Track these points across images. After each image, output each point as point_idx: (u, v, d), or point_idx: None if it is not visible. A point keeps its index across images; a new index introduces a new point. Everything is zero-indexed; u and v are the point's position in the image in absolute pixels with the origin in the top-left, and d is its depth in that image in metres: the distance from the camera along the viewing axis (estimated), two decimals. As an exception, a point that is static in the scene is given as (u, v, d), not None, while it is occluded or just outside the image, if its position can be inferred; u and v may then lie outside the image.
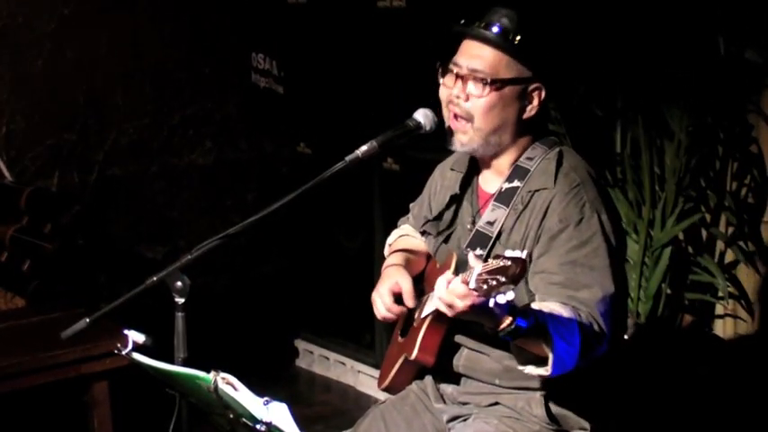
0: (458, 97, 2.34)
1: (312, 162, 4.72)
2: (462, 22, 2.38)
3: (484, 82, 2.31)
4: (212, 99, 5.00)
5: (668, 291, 3.74)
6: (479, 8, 2.38)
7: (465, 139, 2.37)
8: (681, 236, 3.78)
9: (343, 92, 4.53)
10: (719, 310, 3.86)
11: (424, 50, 4.09)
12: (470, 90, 2.33)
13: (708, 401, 3.49)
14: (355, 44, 4.42)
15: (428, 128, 2.40)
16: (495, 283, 1.93)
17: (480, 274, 1.96)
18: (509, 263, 1.93)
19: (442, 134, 2.45)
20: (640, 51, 3.69)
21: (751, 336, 3.78)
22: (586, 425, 2.40)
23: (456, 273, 2.22)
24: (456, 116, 2.36)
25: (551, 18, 2.39)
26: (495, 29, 2.31)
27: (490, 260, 1.97)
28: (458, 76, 2.34)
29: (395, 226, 2.84)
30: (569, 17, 3.66)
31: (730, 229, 3.79)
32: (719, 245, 3.84)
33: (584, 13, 3.73)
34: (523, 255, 1.94)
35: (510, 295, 1.94)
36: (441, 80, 2.40)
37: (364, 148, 2.32)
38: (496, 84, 2.31)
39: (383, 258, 2.57)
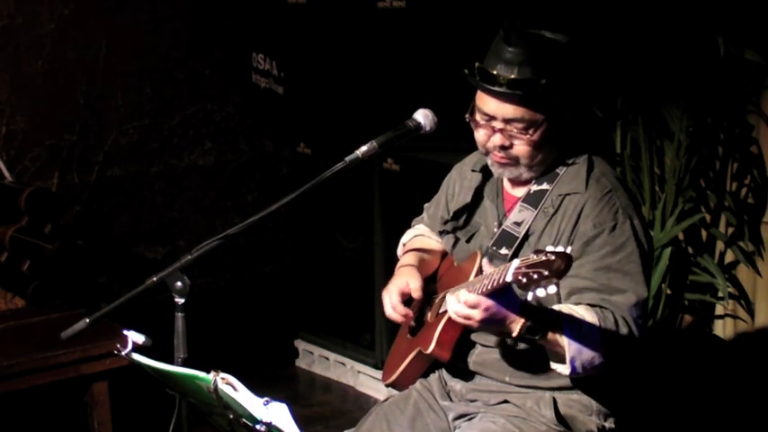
0: (502, 147, 2.35)
1: (312, 162, 4.72)
2: (478, 69, 2.32)
3: (524, 130, 2.31)
4: (212, 99, 5.00)
5: (668, 291, 3.74)
6: (485, 49, 2.34)
7: (514, 173, 2.41)
8: (681, 236, 3.78)
9: (343, 92, 4.53)
10: (719, 310, 3.86)
11: (424, 51, 4.11)
12: (512, 139, 2.34)
13: (708, 401, 3.49)
14: (355, 44, 4.42)
15: (428, 128, 2.40)
16: (536, 276, 1.97)
17: (519, 268, 2.00)
18: (553, 257, 1.97)
19: (442, 134, 2.45)
20: (640, 52, 3.69)
21: (751, 336, 3.78)
22: (593, 427, 2.41)
23: (479, 272, 2.27)
24: (502, 157, 2.38)
25: (560, 35, 2.36)
26: (520, 82, 2.27)
27: (531, 255, 2.01)
28: (494, 129, 2.35)
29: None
30: (566, 20, 3.66)
31: (730, 230, 3.79)
32: (719, 245, 3.84)
33: (583, 14, 3.73)
34: (568, 250, 1.98)
35: (552, 289, 1.99)
36: (474, 129, 2.40)
37: (364, 148, 2.33)
38: (536, 126, 2.32)
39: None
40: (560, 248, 1.98)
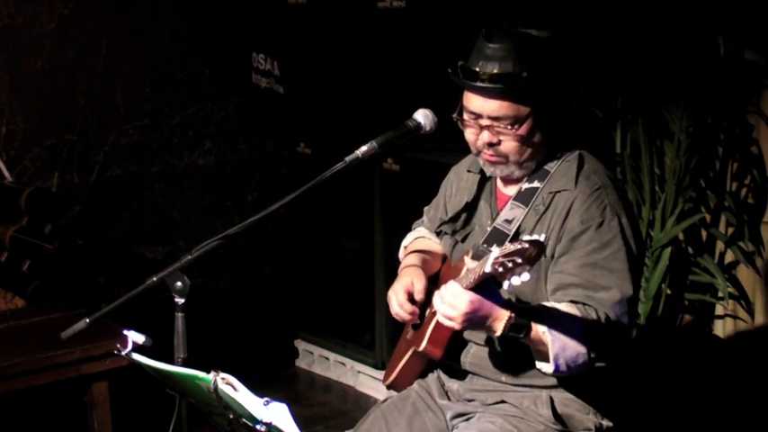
0: (490, 144, 2.36)
1: (312, 162, 4.72)
2: (460, 67, 2.34)
3: (510, 126, 2.32)
4: (212, 99, 5.00)
5: (668, 291, 3.74)
6: (469, 46, 2.35)
7: (505, 171, 2.41)
8: (681, 236, 3.78)
9: (343, 92, 4.53)
10: (719, 310, 3.86)
11: (424, 52, 4.11)
12: (499, 135, 2.34)
13: (708, 401, 3.49)
14: (355, 44, 4.42)
15: (428, 128, 2.41)
16: (511, 264, 1.98)
17: (497, 258, 2.02)
18: (526, 245, 1.98)
19: (442, 134, 2.45)
20: (640, 52, 3.69)
21: (751, 336, 3.78)
22: (591, 425, 2.41)
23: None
24: (491, 155, 2.38)
25: (543, 31, 2.37)
26: (502, 76, 2.28)
27: (507, 244, 2.02)
28: (481, 126, 2.35)
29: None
30: (566, 20, 3.66)
31: (730, 230, 3.79)
32: (719, 245, 3.84)
33: (583, 14, 3.73)
34: (542, 237, 2.00)
35: (525, 276, 2.00)
36: (463, 128, 2.41)
37: (364, 148, 2.33)
38: (521, 121, 2.32)
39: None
40: (535, 236, 2.00)
